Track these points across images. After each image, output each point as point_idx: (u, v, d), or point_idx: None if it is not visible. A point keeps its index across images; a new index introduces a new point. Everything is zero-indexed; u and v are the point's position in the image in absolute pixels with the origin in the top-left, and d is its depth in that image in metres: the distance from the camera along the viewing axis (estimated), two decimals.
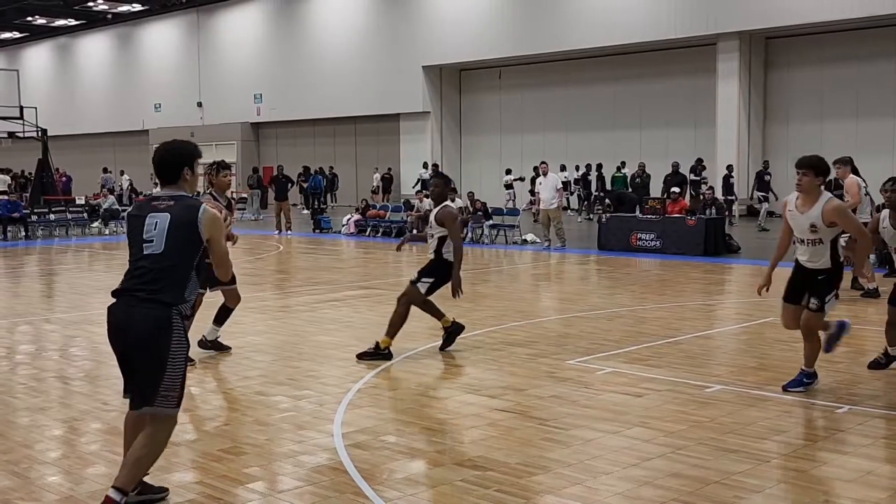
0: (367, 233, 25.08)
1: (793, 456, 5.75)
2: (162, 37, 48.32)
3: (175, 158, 4.85)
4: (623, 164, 30.35)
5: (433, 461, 5.81)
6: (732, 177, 27.39)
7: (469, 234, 22.28)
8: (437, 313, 9.09)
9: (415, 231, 8.23)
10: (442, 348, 9.10)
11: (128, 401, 4.87)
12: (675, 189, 21.38)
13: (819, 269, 7.27)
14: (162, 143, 4.95)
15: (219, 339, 9.20)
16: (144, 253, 4.70)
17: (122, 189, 38.03)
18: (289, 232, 25.77)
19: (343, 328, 10.67)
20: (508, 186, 31.51)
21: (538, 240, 21.40)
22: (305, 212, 33.84)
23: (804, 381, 7.33)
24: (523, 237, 21.99)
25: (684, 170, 27.35)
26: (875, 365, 8.15)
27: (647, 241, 19.07)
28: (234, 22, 44.48)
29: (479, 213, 22.81)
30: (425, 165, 34.57)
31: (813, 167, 7.21)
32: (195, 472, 5.59)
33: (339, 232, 25.81)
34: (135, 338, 4.62)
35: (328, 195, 37.84)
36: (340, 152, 41.36)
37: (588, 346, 9.34)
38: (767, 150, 30.09)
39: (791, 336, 9.94)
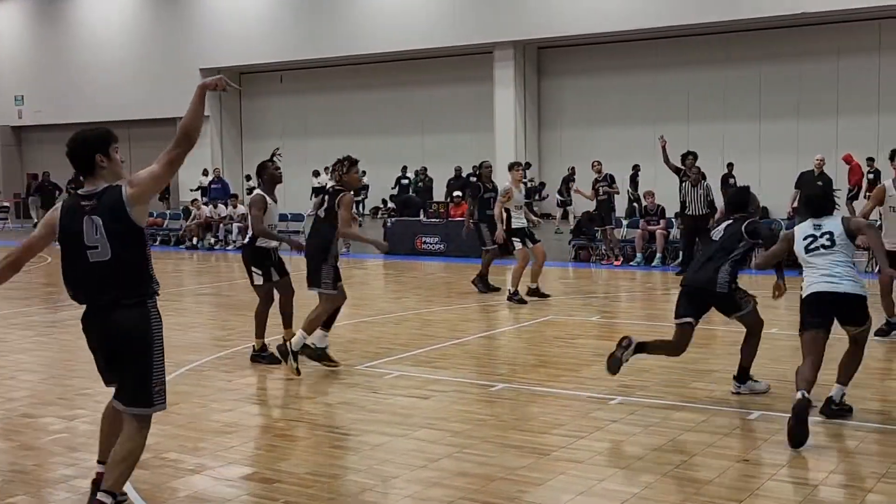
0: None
1: (571, 448, 6.00)
2: None
3: (84, 149, 4.56)
4: (405, 168, 30.78)
5: (219, 476, 5.63)
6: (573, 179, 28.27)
7: None
8: (263, 330, 8.97)
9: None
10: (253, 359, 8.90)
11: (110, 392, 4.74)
12: (458, 193, 21.87)
13: None
14: (71, 136, 4.63)
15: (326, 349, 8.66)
16: (91, 261, 4.51)
17: None
18: (56, 242, 24.32)
19: None
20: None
21: None
22: None
23: None
24: None
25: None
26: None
27: (431, 244, 19.40)
28: None
29: None
30: (205, 172, 33.55)
31: None
32: None
33: None
34: (120, 337, 4.53)
35: None
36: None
37: (376, 350, 9.37)
38: (542, 155, 31.41)
39: (568, 333, 10.41)
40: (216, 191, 26.32)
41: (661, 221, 17.02)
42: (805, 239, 6.71)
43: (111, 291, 4.52)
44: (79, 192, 4.62)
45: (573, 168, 26.10)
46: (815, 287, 6.54)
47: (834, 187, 15.63)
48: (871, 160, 23.13)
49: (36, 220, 30.31)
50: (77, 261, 4.56)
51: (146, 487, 5.34)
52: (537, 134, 31.62)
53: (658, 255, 16.72)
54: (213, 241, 22.42)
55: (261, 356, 8.81)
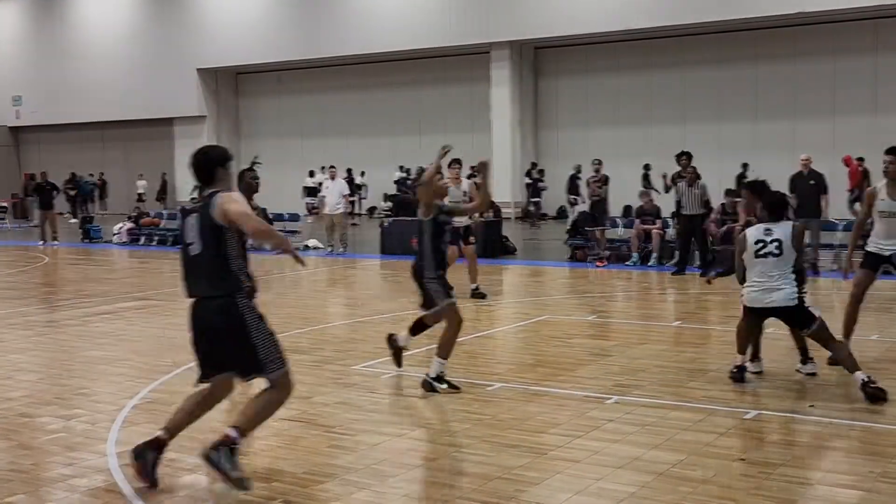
0: (142, 241, 24.06)
1: (568, 447, 6.01)
2: None
3: (207, 162, 5.32)
4: (401, 167, 30.83)
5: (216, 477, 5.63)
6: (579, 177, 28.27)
7: (250, 242, 21.82)
8: None
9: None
10: None
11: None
12: None
13: None
14: (195, 150, 5.39)
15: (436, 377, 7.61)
16: (190, 255, 5.22)
17: None
18: (55, 242, 24.32)
19: (116, 342, 10.17)
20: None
21: (321, 245, 21.29)
22: (73, 221, 32.07)
23: None
24: (305, 243, 21.83)
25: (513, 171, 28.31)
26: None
27: None
28: None
29: None
30: None
31: None
32: None
33: (111, 241, 24.61)
34: (214, 331, 5.19)
35: (99, 202, 36.21)
36: (110, 158, 39.48)
37: (373, 350, 9.36)
38: (539, 155, 31.43)
39: (565, 332, 10.43)
40: None
41: (657, 221, 17.03)
42: (757, 243, 7.21)
43: (202, 283, 5.22)
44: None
45: (579, 166, 25.91)
46: (752, 301, 7.28)
47: (827, 184, 15.57)
48: (860, 160, 23.17)
49: (34, 221, 30.27)
50: (183, 256, 5.29)
51: (144, 487, 5.35)
52: (534, 134, 31.64)
53: (654, 254, 16.72)
54: None
55: None
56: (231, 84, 37.53)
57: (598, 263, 16.96)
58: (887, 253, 8.25)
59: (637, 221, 17.44)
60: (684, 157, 15.89)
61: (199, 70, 36.05)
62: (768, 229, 7.23)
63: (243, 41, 34.39)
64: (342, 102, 34.74)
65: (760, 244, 7.19)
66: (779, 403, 6.94)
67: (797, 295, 7.19)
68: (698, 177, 15.52)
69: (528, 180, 29.32)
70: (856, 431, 6.30)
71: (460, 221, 13.06)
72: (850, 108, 26.38)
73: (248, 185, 8.71)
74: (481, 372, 8.35)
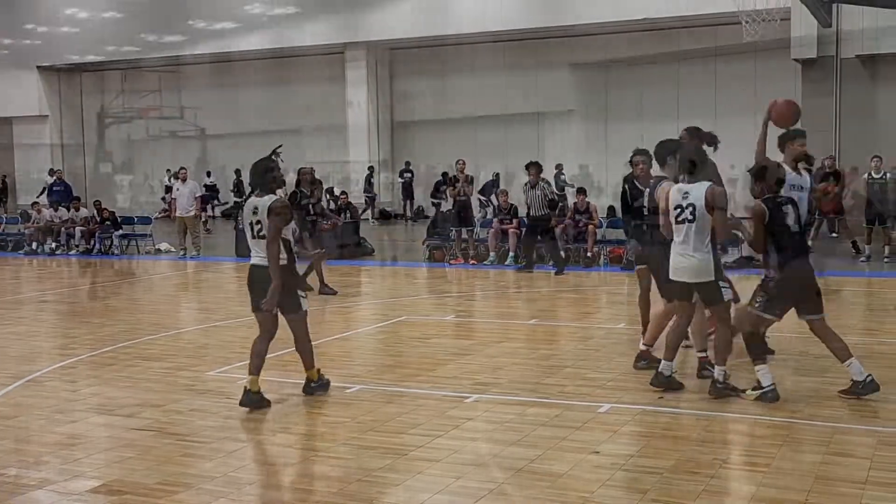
0: None
1: (428, 447, 6.03)
2: None
3: (660, 149, 7.82)
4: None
5: (63, 491, 5.38)
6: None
7: (98, 246, 21.02)
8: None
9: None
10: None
11: None
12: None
13: None
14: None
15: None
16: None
17: None
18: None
19: None
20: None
21: (173, 249, 20.69)
22: None
23: None
24: (157, 247, 21.15)
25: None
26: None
27: None
28: None
29: (108, 222, 21.57)
30: (51, 172, 31.98)
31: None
32: None
33: None
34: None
35: None
36: None
37: (228, 355, 9.17)
38: (396, 155, 31.51)
39: (423, 333, 10.47)
40: (58, 193, 25.09)
41: (514, 221, 17.31)
42: (675, 209, 7.06)
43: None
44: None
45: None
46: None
47: None
48: None
49: None
50: None
51: None
52: (390, 134, 31.70)
53: (511, 253, 16.98)
54: (53, 245, 21.45)
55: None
56: (75, 83, 36.00)
57: (451, 262, 17.18)
58: None
59: (495, 221, 17.69)
60: (533, 167, 15.96)
61: (39, 68, 34.42)
62: (686, 192, 7.08)
63: (86, 38, 33.01)
64: (195, 102, 33.87)
65: (678, 210, 7.06)
66: (630, 396, 7.17)
67: None
68: (540, 178, 15.84)
69: (401, 180, 29.34)
70: (702, 421, 6.57)
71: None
72: (693, 112, 27.54)
73: (277, 179, 7.73)
74: (340, 374, 8.28)
